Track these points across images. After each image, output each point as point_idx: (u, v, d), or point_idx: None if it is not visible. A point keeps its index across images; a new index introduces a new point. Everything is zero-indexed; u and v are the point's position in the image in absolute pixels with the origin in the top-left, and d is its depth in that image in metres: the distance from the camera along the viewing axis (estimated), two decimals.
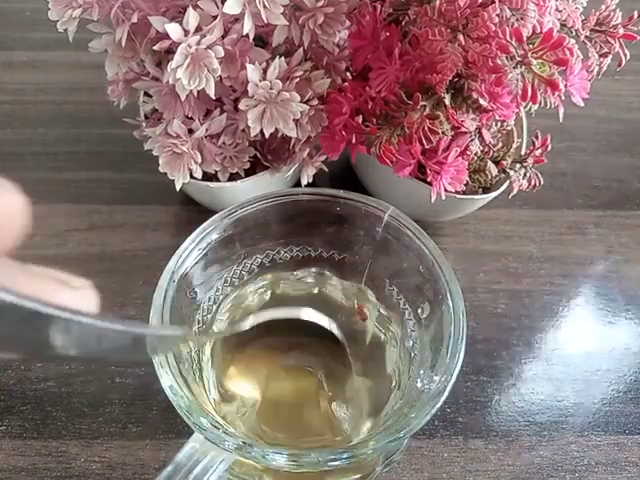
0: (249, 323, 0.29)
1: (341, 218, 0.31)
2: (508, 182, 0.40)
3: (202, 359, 0.30)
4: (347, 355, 0.31)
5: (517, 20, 0.29)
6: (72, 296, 0.16)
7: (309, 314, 0.30)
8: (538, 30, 0.29)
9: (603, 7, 0.34)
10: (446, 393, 0.25)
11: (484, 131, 0.38)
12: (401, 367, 0.31)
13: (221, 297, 0.32)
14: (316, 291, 0.34)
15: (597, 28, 0.34)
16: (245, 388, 0.32)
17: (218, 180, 0.39)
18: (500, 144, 0.42)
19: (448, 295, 0.27)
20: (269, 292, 0.34)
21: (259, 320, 0.30)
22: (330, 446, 0.30)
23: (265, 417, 0.31)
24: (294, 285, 0.34)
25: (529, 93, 0.29)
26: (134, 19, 0.31)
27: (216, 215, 0.29)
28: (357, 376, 0.32)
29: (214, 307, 0.32)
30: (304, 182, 0.40)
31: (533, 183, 0.40)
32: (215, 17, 0.31)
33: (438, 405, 0.24)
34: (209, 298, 0.31)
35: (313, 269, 0.34)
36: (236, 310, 0.33)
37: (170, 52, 0.32)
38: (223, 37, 0.31)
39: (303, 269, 0.34)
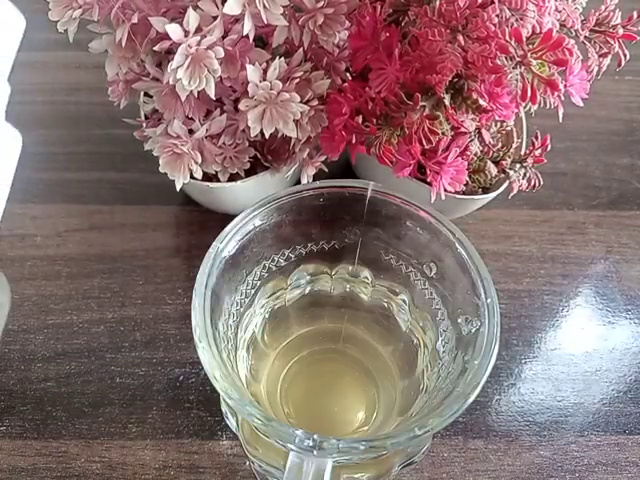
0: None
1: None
2: (508, 182, 0.40)
3: (238, 340, 0.31)
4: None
5: (517, 20, 0.29)
6: None
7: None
8: (538, 30, 0.29)
9: (602, 7, 0.34)
10: (473, 397, 0.24)
11: (484, 131, 0.38)
12: (430, 370, 0.31)
13: (259, 284, 0.32)
14: (348, 289, 0.35)
15: (596, 28, 0.34)
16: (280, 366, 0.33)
17: (218, 180, 0.39)
18: (500, 144, 0.42)
19: (457, 244, 0.29)
20: (308, 287, 0.35)
21: None
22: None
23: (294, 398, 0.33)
24: (331, 283, 0.35)
25: (529, 93, 0.29)
26: (134, 20, 0.31)
27: (261, 201, 0.29)
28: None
29: (252, 292, 0.32)
30: (304, 182, 0.40)
31: (533, 183, 0.40)
32: (215, 18, 0.31)
33: (463, 408, 0.24)
34: (247, 283, 0.31)
35: (350, 267, 0.34)
36: (274, 298, 0.34)
37: (170, 52, 0.32)
38: (223, 38, 0.31)
39: (341, 265, 0.34)
